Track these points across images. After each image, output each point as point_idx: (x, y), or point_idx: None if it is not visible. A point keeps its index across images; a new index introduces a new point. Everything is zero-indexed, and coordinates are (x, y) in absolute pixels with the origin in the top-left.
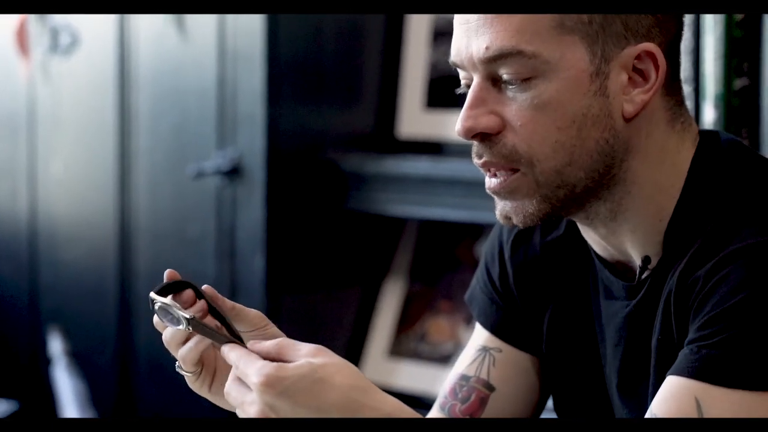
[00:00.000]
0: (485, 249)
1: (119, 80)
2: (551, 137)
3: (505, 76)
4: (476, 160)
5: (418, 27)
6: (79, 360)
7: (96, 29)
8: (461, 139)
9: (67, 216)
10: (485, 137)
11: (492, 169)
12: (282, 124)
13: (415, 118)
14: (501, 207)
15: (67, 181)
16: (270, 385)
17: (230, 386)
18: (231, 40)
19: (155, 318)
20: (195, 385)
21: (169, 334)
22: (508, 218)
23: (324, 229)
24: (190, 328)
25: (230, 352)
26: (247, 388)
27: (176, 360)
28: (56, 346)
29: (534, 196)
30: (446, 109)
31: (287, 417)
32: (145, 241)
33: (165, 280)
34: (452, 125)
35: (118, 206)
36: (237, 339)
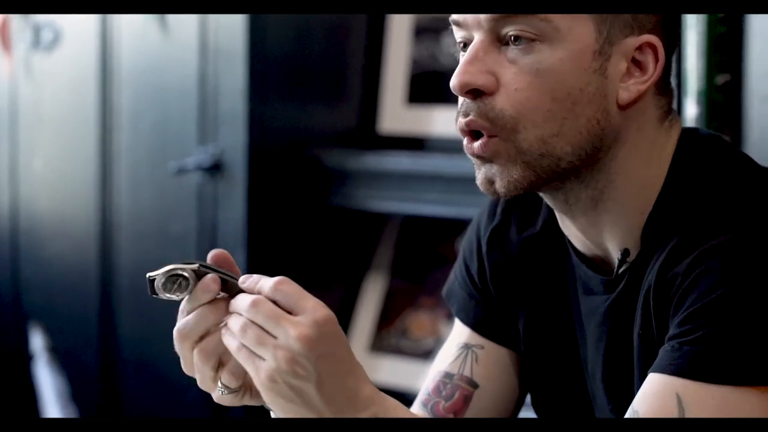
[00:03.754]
0: (463, 245)
1: (101, 77)
2: (544, 106)
3: (511, 32)
4: (460, 119)
5: (400, 24)
6: (61, 357)
7: (78, 26)
8: (443, 135)
9: (49, 213)
10: (477, 95)
11: (470, 135)
12: (264, 121)
13: (397, 114)
14: (485, 171)
15: (49, 178)
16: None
17: (246, 329)
18: (213, 37)
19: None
20: (234, 400)
21: (210, 345)
22: (491, 182)
23: (306, 225)
24: (197, 281)
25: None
26: (267, 335)
27: (207, 380)
28: (38, 342)
29: (517, 162)
30: (428, 105)
31: (309, 372)
32: (126, 238)
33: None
34: (434, 121)
35: (99, 203)
36: None
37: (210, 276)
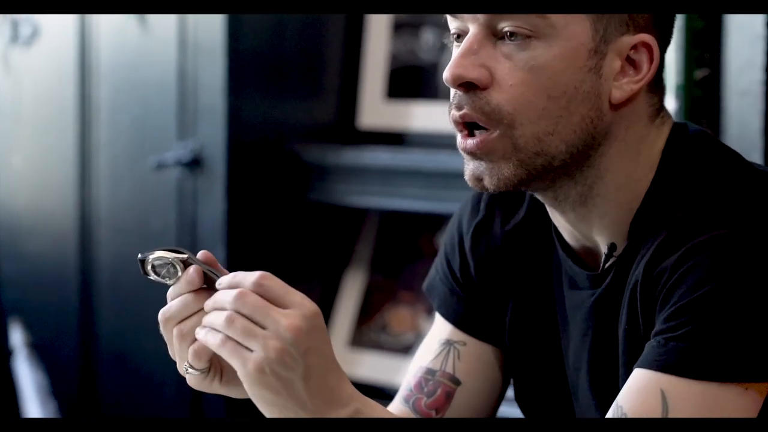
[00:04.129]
0: (445, 239)
1: (80, 72)
2: (540, 103)
3: (507, 28)
4: (454, 112)
5: (379, 18)
6: (41, 352)
7: (57, 21)
8: (422, 130)
9: (28, 208)
10: (470, 88)
11: (466, 127)
12: (243, 116)
13: (376, 109)
14: (473, 167)
15: (28, 173)
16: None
17: (232, 321)
18: (192, 32)
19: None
20: (203, 383)
21: (187, 327)
22: (479, 179)
23: (285, 220)
24: (184, 271)
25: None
26: (255, 326)
27: (184, 363)
28: (17, 338)
29: (511, 159)
30: (407, 99)
31: (297, 364)
32: (106, 233)
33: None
34: (414, 116)
35: (78, 198)
36: None
37: (194, 267)
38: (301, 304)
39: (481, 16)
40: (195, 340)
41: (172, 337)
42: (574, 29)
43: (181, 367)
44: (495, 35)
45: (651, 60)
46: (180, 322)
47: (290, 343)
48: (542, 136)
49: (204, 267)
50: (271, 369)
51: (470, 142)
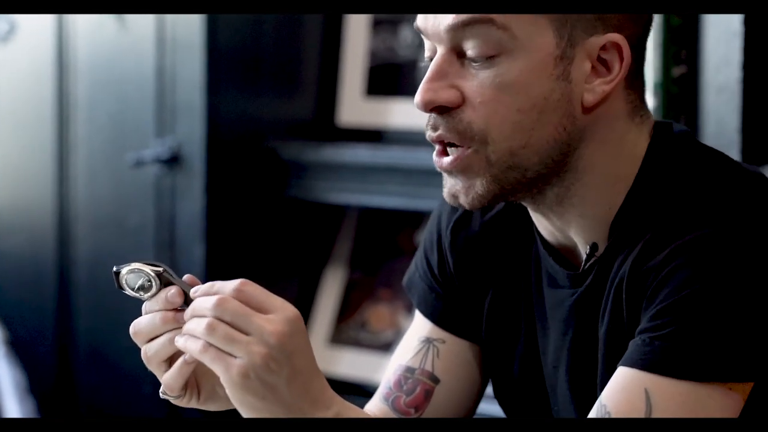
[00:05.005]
0: (424, 236)
1: (57, 68)
2: (511, 118)
3: (469, 52)
4: (430, 133)
5: (358, 15)
6: (18, 349)
7: (34, 17)
8: (401, 127)
9: (6, 205)
10: (443, 111)
11: (442, 145)
12: (221, 113)
13: (355, 106)
14: (450, 185)
15: (6, 170)
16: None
17: (214, 328)
18: (170, 28)
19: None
20: (182, 402)
21: (152, 349)
22: (455, 197)
23: (264, 217)
24: (159, 285)
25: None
26: (238, 332)
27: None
28: None
29: (485, 176)
30: (386, 97)
31: (282, 371)
32: (84, 230)
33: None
34: (392, 113)
35: (56, 195)
36: None
37: (176, 288)
38: (282, 309)
39: (444, 34)
40: (164, 361)
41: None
42: (538, 40)
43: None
44: (461, 56)
45: (622, 60)
46: (150, 339)
47: (275, 348)
48: (515, 150)
49: (178, 281)
50: (256, 374)
51: (446, 160)
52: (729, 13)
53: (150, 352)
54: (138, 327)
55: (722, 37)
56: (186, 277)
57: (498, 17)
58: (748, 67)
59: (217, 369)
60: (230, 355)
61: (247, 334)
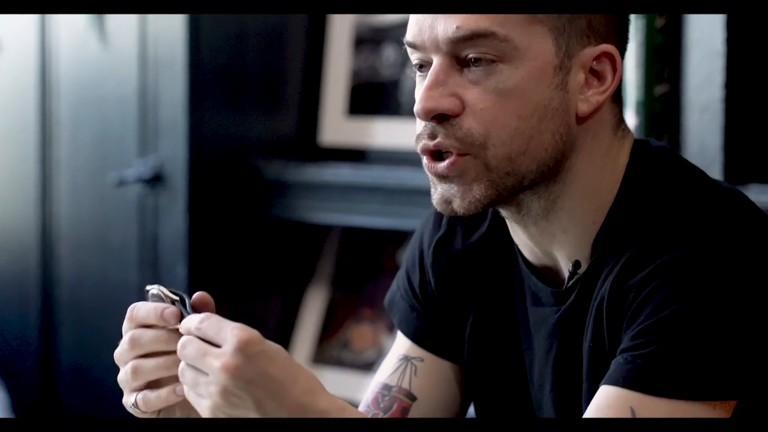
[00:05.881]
0: (406, 255)
1: (40, 87)
2: (511, 124)
3: (471, 55)
4: (426, 142)
5: (341, 34)
6: (1, 367)
7: (16, 35)
8: (383, 147)
9: None
10: (443, 119)
11: (434, 153)
12: (204, 132)
13: (337, 126)
14: (443, 191)
15: None
16: (247, 344)
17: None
18: (152, 47)
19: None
20: (155, 414)
21: (147, 366)
22: (448, 203)
23: (247, 236)
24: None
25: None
26: (200, 373)
27: (131, 397)
28: None
29: (482, 181)
30: (368, 116)
31: (251, 390)
32: (66, 249)
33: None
34: (375, 133)
35: (39, 214)
36: None
37: (172, 309)
38: (231, 339)
39: (443, 45)
40: (144, 385)
41: (129, 356)
42: (538, 48)
43: (128, 400)
44: (459, 63)
45: (614, 70)
46: (143, 356)
47: (230, 384)
48: (514, 157)
49: (184, 311)
50: (223, 411)
51: (441, 165)
52: (713, 13)
53: (142, 368)
54: (141, 339)
55: (705, 56)
56: (197, 295)
57: (499, 30)
58: (730, 86)
59: (197, 409)
60: (200, 395)
61: (206, 374)
